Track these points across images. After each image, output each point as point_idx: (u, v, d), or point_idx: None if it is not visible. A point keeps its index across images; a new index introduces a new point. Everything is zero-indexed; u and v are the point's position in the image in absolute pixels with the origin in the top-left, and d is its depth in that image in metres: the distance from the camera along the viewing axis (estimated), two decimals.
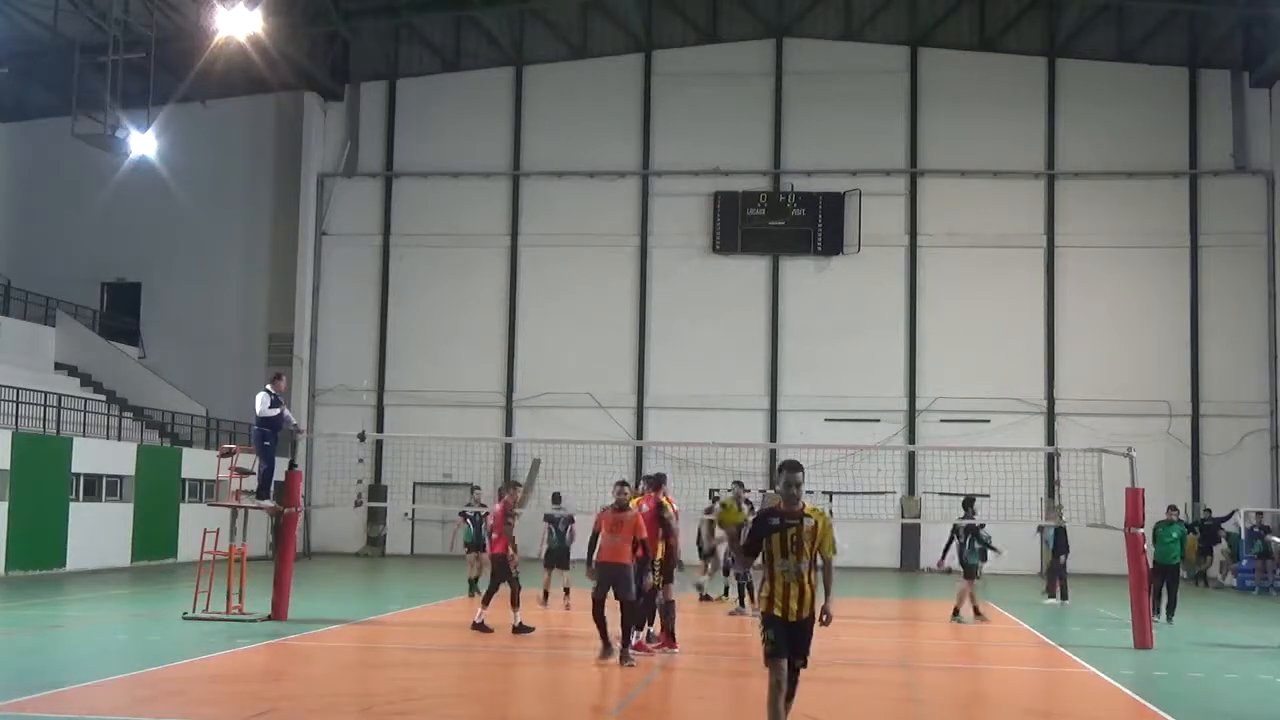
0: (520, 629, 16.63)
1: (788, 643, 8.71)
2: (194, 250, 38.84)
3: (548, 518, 21.55)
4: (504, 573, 16.76)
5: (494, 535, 17.26)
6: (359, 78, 39.63)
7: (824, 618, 8.81)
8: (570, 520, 21.24)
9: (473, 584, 22.85)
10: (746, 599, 20.21)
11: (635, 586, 14.09)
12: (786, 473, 8.77)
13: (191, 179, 37.65)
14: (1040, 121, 37.17)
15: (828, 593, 8.90)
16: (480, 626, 16.64)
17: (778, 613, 8.69)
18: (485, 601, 16.98)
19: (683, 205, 37.89)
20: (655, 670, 14.17)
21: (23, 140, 39.46)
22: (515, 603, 16.79)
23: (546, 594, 20.92)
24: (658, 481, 15.70)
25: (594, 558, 14.55)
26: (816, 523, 8.74)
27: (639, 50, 38.65)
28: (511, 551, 16.83)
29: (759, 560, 8.90)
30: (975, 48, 37.61)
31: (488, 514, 23.42)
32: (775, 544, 8.70)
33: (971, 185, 36.99)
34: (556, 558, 21.16)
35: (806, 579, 8.69)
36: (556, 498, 22.27)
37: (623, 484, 15.50)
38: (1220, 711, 12.53)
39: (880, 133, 37.44)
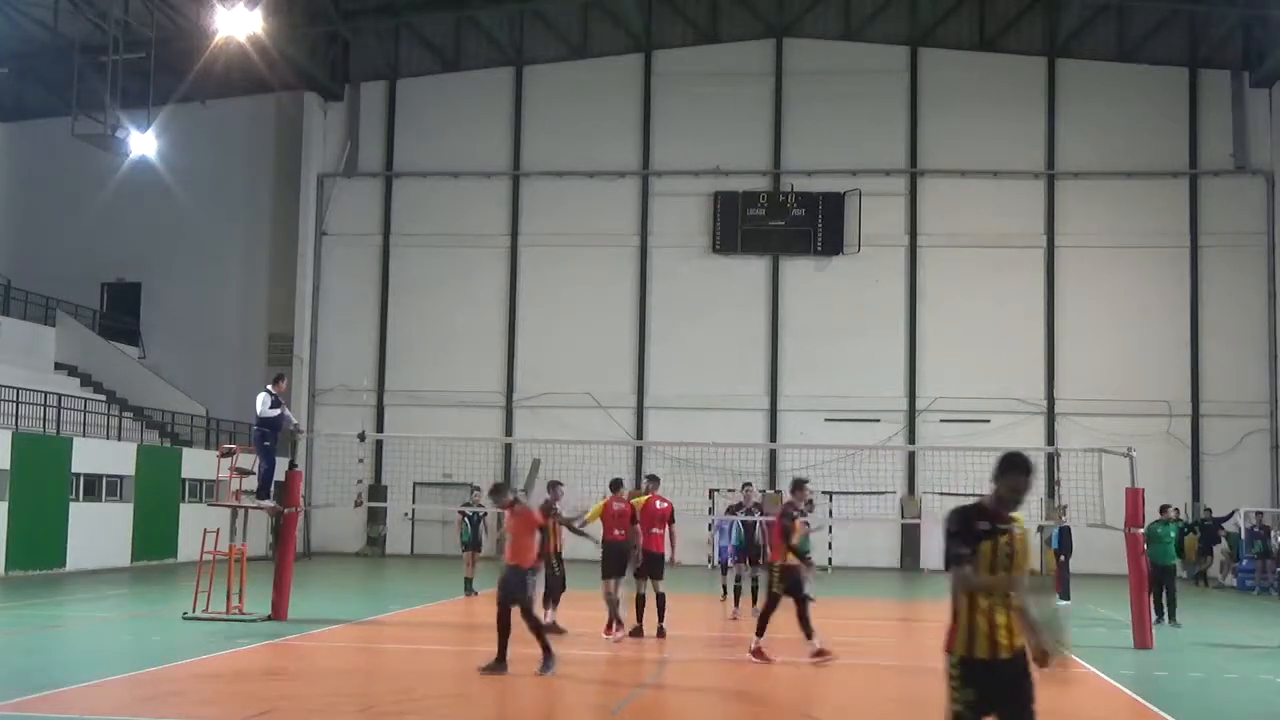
0: (550, 628, 16.68)
1: (992, 698, 6.44)
2: (194, 250, 38.84)
3: None
4: (549, 570, 16.92)
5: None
6: (359, 78, 39.63)
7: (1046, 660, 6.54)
8: None
9: (469, 583, 22.94)
10: (743, 600, 20.25)
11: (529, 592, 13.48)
12: (1016, 474, 6.60)
13: (191, 179, 37.64)
14: (1040, 121, 37.16)
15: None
16: (551, 627, 16.66)
17: (982, 653, 6.42)
18: (544, 602, 16.95)
19: (683, 205, 37.89)
20: (656, 670, 14.17)
21: (23, 140, 39.47)
22: (545, 601, 16.84)
23: None
24: (798, 485, 15.25)
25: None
26: (1023, 530, 6.70)
27: (639, 50, 38.64)
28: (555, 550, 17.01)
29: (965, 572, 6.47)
30: (975, 48, 37.61)
31: (486, 514, 23.66)
32: (984, 557, 6.49)
33: (971, 185, 36.99)
34: None
35: (1013, 603, 6.55)
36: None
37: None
38: (1220, 711, 12.53)
39: (880, 133, 37.43)
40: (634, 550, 16.56)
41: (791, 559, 14.52)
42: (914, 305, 36.96)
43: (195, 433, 35.06)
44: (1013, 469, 6.60)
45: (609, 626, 16.48)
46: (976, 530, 6.52)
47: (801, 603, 14.57)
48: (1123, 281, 36.46)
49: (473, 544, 23.38)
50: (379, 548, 37.45)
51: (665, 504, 16.98)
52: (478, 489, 25.30)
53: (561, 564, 17.04)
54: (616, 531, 16.54)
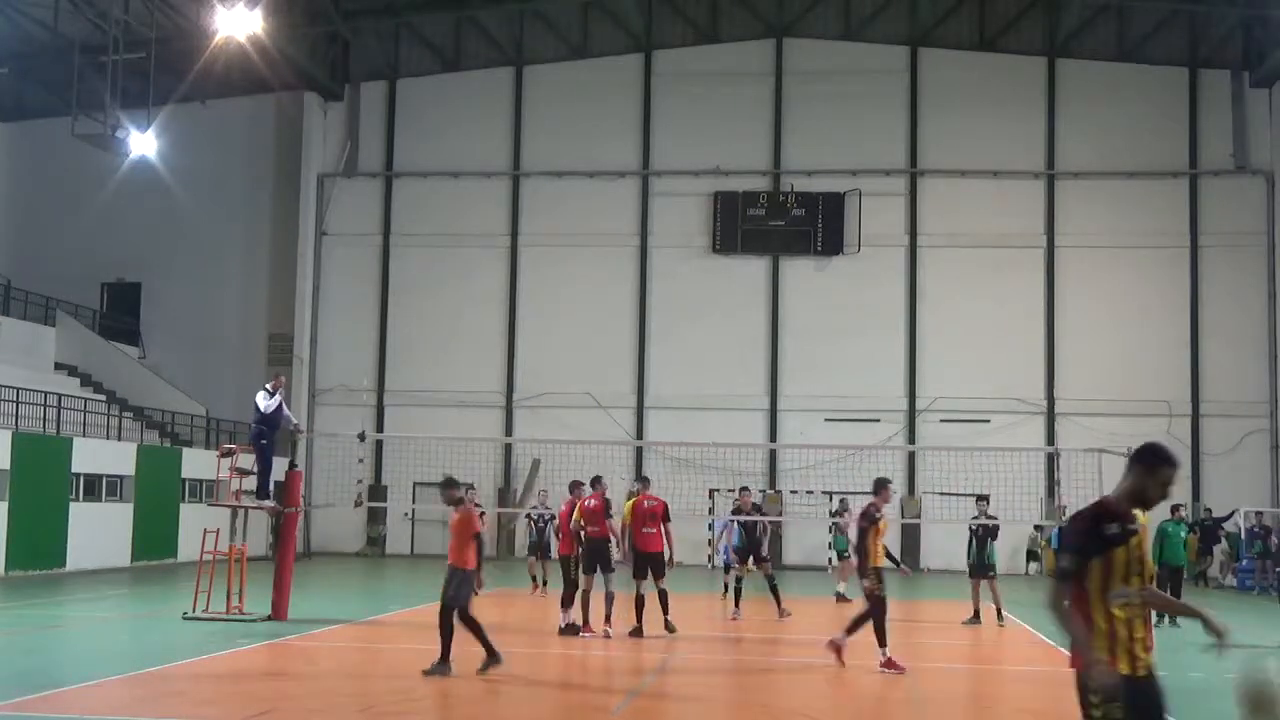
0: (568, 629, 16.69)
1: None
2: (194, 250, 38.83)
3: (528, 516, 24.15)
4: (567, 573, 17.01)
5: (560, 535, 17.61)
6: (359, 78, 39.62)
7: (1221, 640, 5.90)
8: (553, 517, 22.30)
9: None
10: (741, 601, 20.20)
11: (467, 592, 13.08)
12: (1168, 467, 5.89)
13: (191, 179, 37.64)
14: (1040, 121, 37.16)
15: (1197, 610, 6.11)
16: (569, 628, 16.68)
17: (1123, 667, 5.69)
18: (564, 603, 16.98)
19: (683, 205, 37.89)
20: (657, 670, 14.17)
21: (23, 140, 39.46)
22: (566, 603, 16.86)
23: (534, 579, 23.64)
24: (880, 485, 14.91)
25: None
26: (1143, 526, 6.00)
27: (639, 50, 38.64)
28: (579, 550, 16.97)
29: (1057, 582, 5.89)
30: (975, 48, 37.61)
31: (484, 513, 23.88)
32: (1116, 563, 5.79)
33: (971, 185, 36.98)
34: (538, 549, 23.74)
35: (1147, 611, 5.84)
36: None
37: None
38: (1220, 711, 12.51)
39: (880, 133, 37.43)
40: (617, 547, 16.63)
41: (883, 559, 14.27)
42: (914, 305, 36.95)
43: (195, 433, 35.06)
44: (1165, 461, 5.88)
45: (585, 623, 16.59)
46: (1106, 536, 5.78)
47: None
48: (1123, 281, 36.46)
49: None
50: (379, 548, 37.45)
51: (655, 502, 17.00)
52: (473, 488, 25.49)
53: (578, 567, 17.00)
54: (590, 528, 16.66)
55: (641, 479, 18.07)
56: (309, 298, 38.51)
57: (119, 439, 31.01)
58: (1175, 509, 21.13)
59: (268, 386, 18.62)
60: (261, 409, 18.43)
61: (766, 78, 38.08)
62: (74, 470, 27.96)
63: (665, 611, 16.64)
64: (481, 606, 17.13)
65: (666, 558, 17.04)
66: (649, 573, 16.80)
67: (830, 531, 24.05)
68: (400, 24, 39.02)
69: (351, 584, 28.01)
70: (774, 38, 38.15)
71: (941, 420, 36.16)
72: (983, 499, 20.76)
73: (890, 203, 37.16)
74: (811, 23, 38.04)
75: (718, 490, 32.62)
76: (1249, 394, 35.72)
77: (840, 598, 22.84)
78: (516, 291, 38.28)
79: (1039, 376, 36.43)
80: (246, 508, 19.41)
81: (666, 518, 17.00)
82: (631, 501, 17.13)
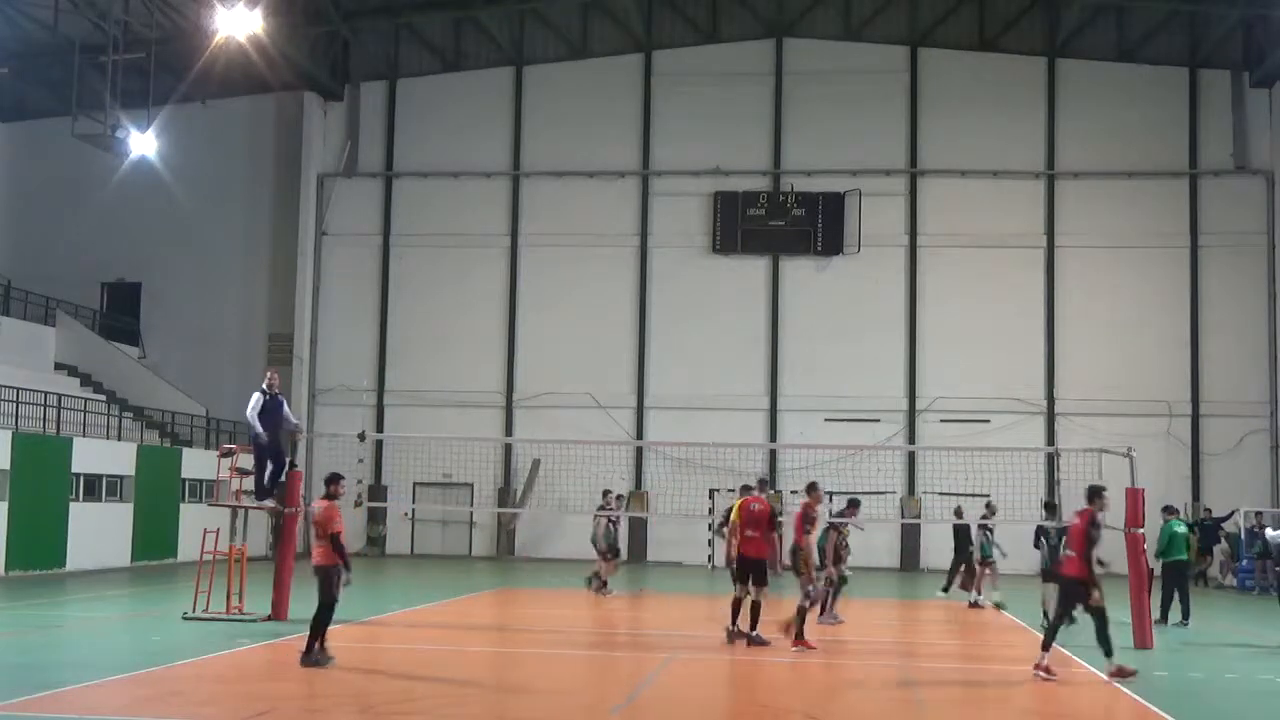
0: (756, 640, 15.94)
1: None
2: (194, 250, 38.84)
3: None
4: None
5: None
6: (359, 78, 39.62)
7: None
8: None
9: (599, 580, 23.58)
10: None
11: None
12: None
13: (191, 179, 37.66)
14: (1040, 121, 37.15)
15: None
16: (755, 639, 15.91)
17: None
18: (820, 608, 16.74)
19: (683, 205, 37.89)
20: (656, 670, 14.17)
21: (23, 140, 39.47)
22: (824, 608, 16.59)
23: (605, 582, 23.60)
24: (1097, 492, 14.23)
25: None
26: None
27: (639, 50, 38.63)
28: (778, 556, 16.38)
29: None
30: (975, 48, 37.59)
31: (618, 519, 23.99)
32: None
33: (971, 185, 36.98)
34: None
35: None
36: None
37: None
38: (1220, 711, 12.54)
39: (880, 133, 37.42)
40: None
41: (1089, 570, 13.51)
42: (914, 305, 36.94)
43: (195, 433, 35.06)
44: None
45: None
46: None
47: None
48: (1123, 281, 36.45)
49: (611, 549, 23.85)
50: (379, 548, 37.44)
51: (761, 505, 16.29)
52: (610, 492, 25.04)
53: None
54: (750, 533, 16.15)
55: (760, 482, 17.47)
56: (309, 298, 38.50)
57: (119, 439, 31.01)
58: (1168, 510, 20.68)
59: (264, 387, 18.56)
60: (250, 413, 18.25)
61: (766, 78, 38.07)
62: (74, 470, 27.96)
63: (752, 625, 15.86)
64: (488, 606, 17.16)
65: (770, 564, 16.29)
66: (750, 579, 15.95)
67: (982, 535, 23.61)
68: (400, 24, 39.00)
69: (351, 584, 27.94)
70: (774, 38, 38.14)
71: (941, 420, 36.14)
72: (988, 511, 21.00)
73: (890, 203, 37.16)
74: (811, 23, 38.03)
75: (717, 490, 32.59)
76: (1249, 394, 35.70)
77: (973, 605, 22.67)
78: (516, 291, 38.27)
79: (1039, 376, 36.42)
80: (246, 508, 19.42)
81: (771, 524, 16.28)
82: (738, 503, 16.53)
